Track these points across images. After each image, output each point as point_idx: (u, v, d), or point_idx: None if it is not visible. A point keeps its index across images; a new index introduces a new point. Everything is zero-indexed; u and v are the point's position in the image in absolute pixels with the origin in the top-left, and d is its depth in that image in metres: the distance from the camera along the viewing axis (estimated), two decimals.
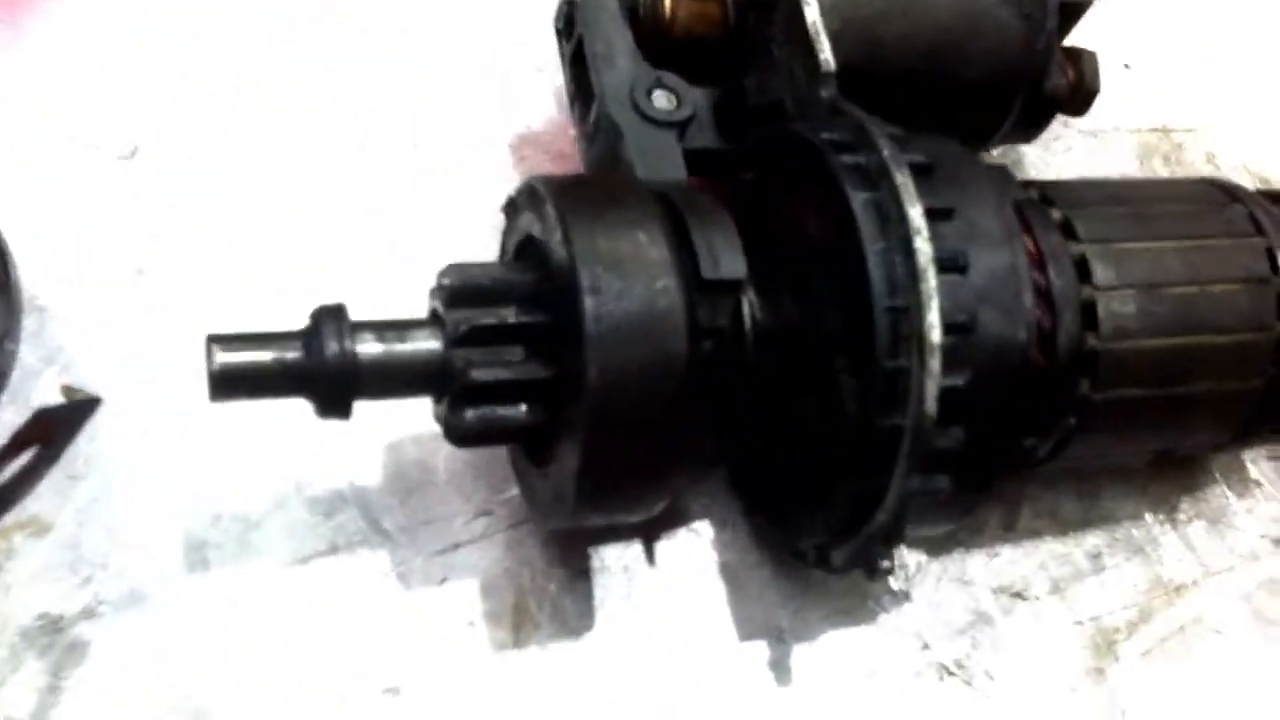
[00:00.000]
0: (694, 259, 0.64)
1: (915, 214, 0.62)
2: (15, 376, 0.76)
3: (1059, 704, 0.78)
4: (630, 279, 0.61)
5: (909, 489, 0.63)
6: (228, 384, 0.62)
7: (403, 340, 0.64)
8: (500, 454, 0.77)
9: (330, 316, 0.63)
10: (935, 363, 0.61)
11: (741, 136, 0.76)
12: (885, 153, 0.64)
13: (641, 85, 0.74)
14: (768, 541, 0.79)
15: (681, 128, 0.74)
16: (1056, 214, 0.72)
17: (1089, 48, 0.83)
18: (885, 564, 0.66)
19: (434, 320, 0.65)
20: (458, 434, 0.65)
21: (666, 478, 0.65)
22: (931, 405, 0.62)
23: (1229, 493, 0.87)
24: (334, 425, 0.75)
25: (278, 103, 0.87)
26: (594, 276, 0.61)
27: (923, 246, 0.62)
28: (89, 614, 0.71)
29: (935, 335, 0.61)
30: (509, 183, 0.86)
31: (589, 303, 0.60)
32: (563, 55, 0.79)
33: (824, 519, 0.69)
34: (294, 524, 0.76)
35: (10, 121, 0.83)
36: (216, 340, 0.62)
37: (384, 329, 0.64)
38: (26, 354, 0.77)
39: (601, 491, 0.64)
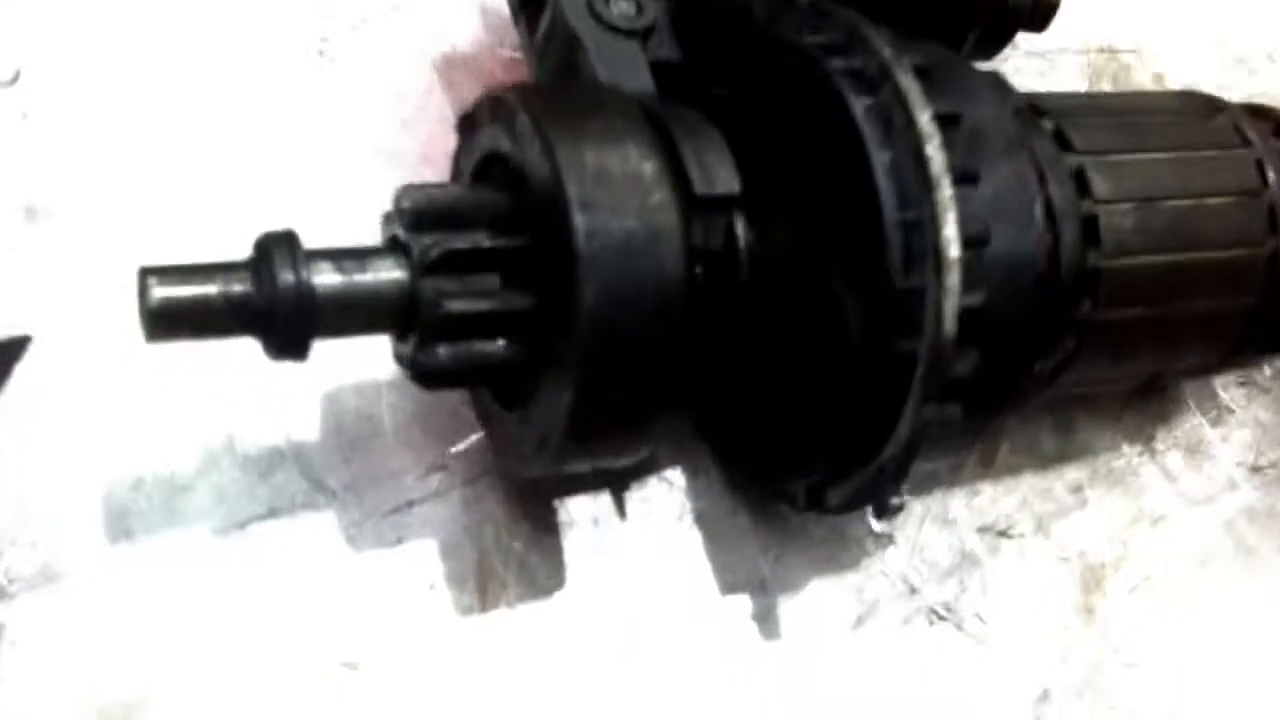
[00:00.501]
0: (684, 174, 0.59)
1: (925, 119, 0.57)
2: None
3: (1052, 644, 0.75)
4: (621, 194, 0.55)
5: (924, 418, 0.59)
6: (167, 322, 0.54)
7: (363, 269, 0.57)
8: (449, 403, 0.71)
9: (281, 244, 0.55)
10: (955, 279, 0.56)
11: (703, 47, 0.70)
12: (886, 54, 0.59)
13: None
14: (743, 487, 0.74)
15: (644, 37, 0.68)
16: (1048, 124, 0.68)
17: None
18: (896, 500, 0.61)
19: (396, 247, 0.58)
20: (428, 374, 0.58)
21: (659, 415, 0.59)
22: (951, 326, 0.57)
23: (1203, 420, 0.84)
24: (262, 374, 0.69)
25: (176, 11, 0.78)
26: (583, 191, 0.55)
27: (935, 154, 0.57)
28: (0, 594, 0.63)
29: (954, 250, 0.56)
30: (439, 108, 0.80)
31: (580, 219, 0.54)
32: None
33: (822, 457, 0.64)
34: (226, 486, 0.68)
35: None
36: (152, 273, 0.54)
37: (341, 257, 0.57)
38: None
39: (594, 431, 0.58)
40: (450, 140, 0.78)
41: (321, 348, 0.69)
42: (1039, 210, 0.61)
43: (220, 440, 0.69)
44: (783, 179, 0.62)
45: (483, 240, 0.57)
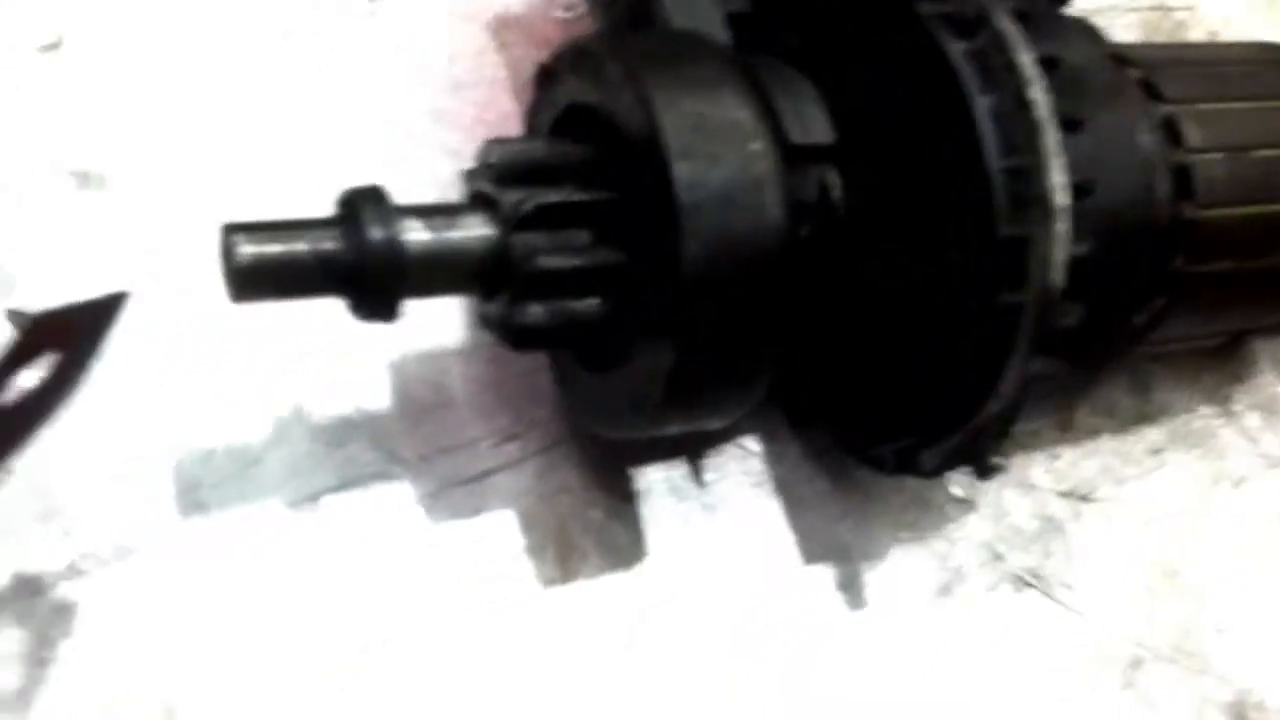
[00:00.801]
0: (778, 124, 0.57)
1: (1028, 61, 0.56)
2: None
3: (1139, 609, 0.73)
4: (720, 142, 0.54)
5: (1029, 373, 0.57)
6: (254, 281, 0.52)
7: (452, 226, 0.55)
8: (520, 369, 0.69)
9: (369, 200, 0.53)
10: (1064, 228, 0.55)
11: None
12: None
13: None
14: (820, 453, 0.72)
15: None
16: (1135, 73, 0.66)
17: None
18: (997, 460, 0.60)
19: (483, 203, 0.56)
20: (521, 333, 0.56)
21: (760, 374, 0.58)
22: (1059, 276, 0.55)
23: (1278, 380, 0.82)
24: (330, 342, 0.68)
25: None
26: (681, 140, 0.53)
27: (1040, 98, 0.55)
28: (73, 572, 0.61)
29: (1062, 197, 0.55)
30: (492, 70, 0.78)
31: (681, 169, 0.52)
32: None
33: (916, 417, 0.62)
34: (298, 457, 0.66)
35: None
36: (238, 230, 0.52)
37: (429, 214, 0.55)
38: None
39: (694, 392, 0.56)
40: (505, 102, 0.77)
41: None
42: (1137, 158, 0.59)
43: (290, 411, 0.67)
44: (873, 128, 0.60)
45: (573, 194, 0.55)
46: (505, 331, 0.57)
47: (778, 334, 0.57)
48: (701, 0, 0.65)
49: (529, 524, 0.67)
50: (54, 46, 0.72)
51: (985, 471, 0.60)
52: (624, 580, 0.67)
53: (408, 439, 0.68)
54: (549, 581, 0.66)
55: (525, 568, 0.66)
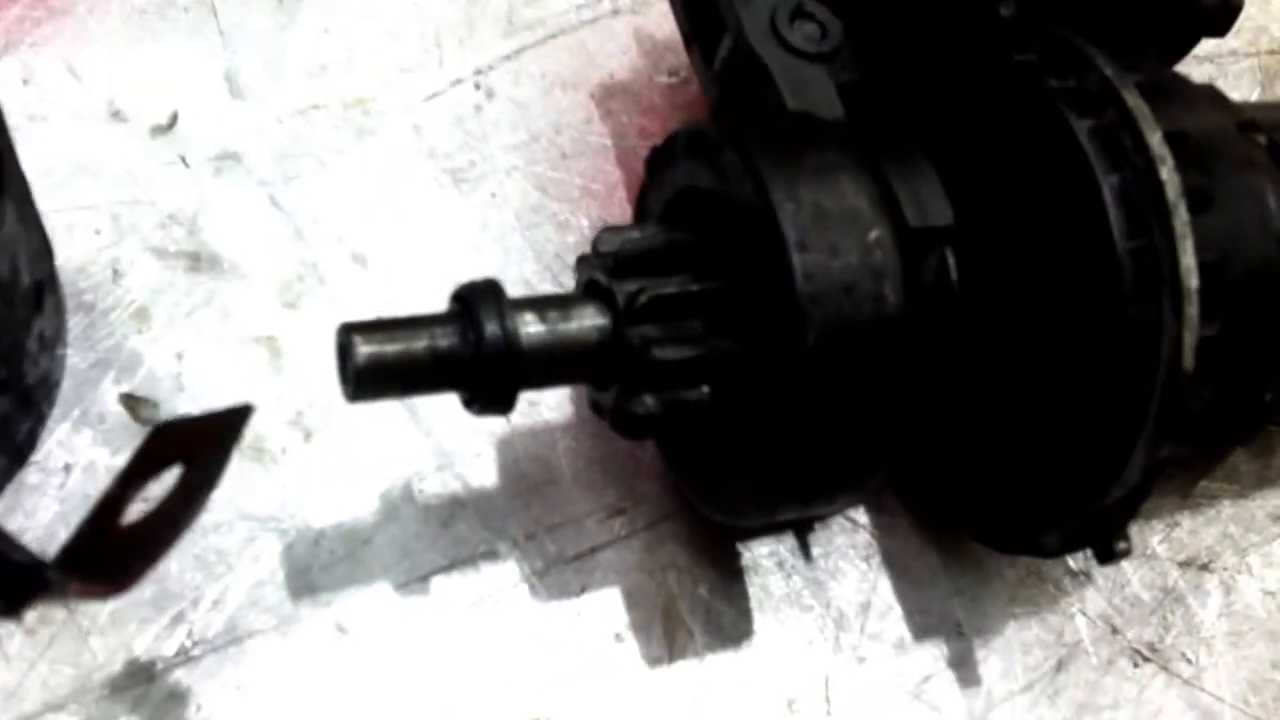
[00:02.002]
0: (897, 207, 0.56)
1: (1156, 140, 0.54)
2: (66, 386, 0.65)
3: (1266, 683, 0.71)
4: (839, 231, 0.53)
5: (1156, 459, 0.55)
6: (372, 380, 0.52)
7: (567, 319, 0.55)
8: (626, 445, 0.68)
9: (485, 295, 0.53)
10: (1194, 311, 0.53)
11: (888, 68, 0.66)
12: (1109, 71, 0.56)
13: (783, 13, 0.64)
14: (932, 526, 0.70)
15: (830, 60, 0.65)
16: (1262, 138, 0.64)
17: None
18: (1123, 545, 0.58)
19: (596, 293, 0.56)
20: (635, 423, 0.55)
21: (878, 460, 0.56)
22: (1190, 360, 0.53)
23: None
24: (438, 421, 0.68)
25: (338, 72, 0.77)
26: (800, 229, 0.52)
27: (1170, 177, 0.54)
28: (184, 657, 0.61)
29: (1193, 280, 0.53)
30: (598, 139, 0.78)
31: (798, 260, 0.51)
32: None
33: (1038, 497, 0.61)
34: (408, 537, 0.66)
35: (34, 94, 0.72)
36: (356, 329, 0.52)
37: (543, 306, 0.55)
38: (76, 359, 0.66)
39: (812, 481, 0.55)
40: (611, 172, 0.77)
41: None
42: (1269, 232, 0.57)
43: (399, 490, 0.67)
44: (995, 205, 0.59)
45: (688, 284, 0.55)
46: (618, 420, 0.56)
47: (895, 419, 0.56)
48: (813, 72, 0.64)
49: (635, 601, 0.66)
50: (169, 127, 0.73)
51: (1108, 556, 0.58)
52: (730, 660, 0.66)
53: (516, 516, 0.67)
54: (655, 660, 0.65)
55: (631, 646, 0.65)
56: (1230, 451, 0.61)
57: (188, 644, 0.62)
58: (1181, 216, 0.53)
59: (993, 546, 0.66)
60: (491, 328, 0.52)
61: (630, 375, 0.55)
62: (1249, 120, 0.64)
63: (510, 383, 0.53)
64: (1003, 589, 0.70)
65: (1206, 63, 0.90)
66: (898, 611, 0.69)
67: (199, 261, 0.70)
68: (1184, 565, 0.73)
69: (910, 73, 0.64)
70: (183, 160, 0.72)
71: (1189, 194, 0.54)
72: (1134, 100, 0.55)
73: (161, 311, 0.68)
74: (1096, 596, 0.71)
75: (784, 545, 0.69)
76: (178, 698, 0.61)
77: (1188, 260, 0.53)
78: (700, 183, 0.57)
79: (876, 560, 0.70)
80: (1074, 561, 0.71)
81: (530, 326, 0.54)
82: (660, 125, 0.78)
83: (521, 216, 0.74)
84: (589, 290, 0.56)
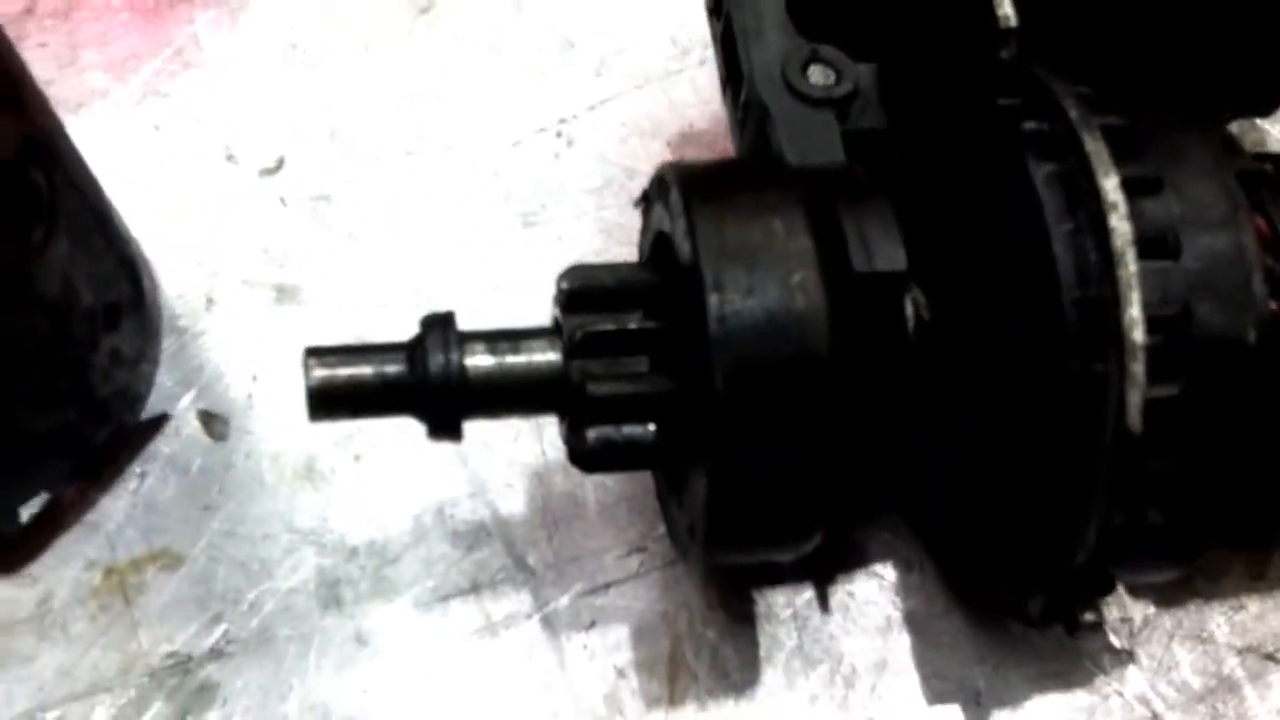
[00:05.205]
0: (843, 251, 0.55)
1: (1109, 186, 0.51)
2: (151, 400, 0.73)
3: None
4: (761, 272, 0.53)
5: (1111, 525, 0.52)
6: (325, 402, 0.56)
7: (516, 351, 0.57)
8: (652, 484, 0.70)
9: (437, 326, 0.56)
10: (1139, 367, 0.50)
11: (908, 115, 0.65)
12: (1072, 115, 0.53)
13: (794, 60, 0.65)
14: (960, 587, 0.68)
15: (841, 106, 0.64)
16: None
17: None
18: (1088, 618, 0.55)
19: (555, 329, 0.58)
20: (579, 457, 0.57)
21: (815, 506, 0.56)
22: (1135, 419, 0.50)
23: None
24: (479, 450, 0.71)
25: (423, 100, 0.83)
26: (717, 271, 0.53)
27: (1119, 225, 0.51)
28: (217, 654, 0.67)
29: (1138, 334, 0.50)
30: None
31: (712, 300, 0.52)
32: (714, 37, 0.71)
33: (1018, 562, 0.58)
34: (434, 559, 0.70)
35: (162, 138, 0.82)
36: (314, 354, 0.57)
37: (497, 339, 0.57)
38: (164, 377, 0.74)
39: (735, 523, 0.55)
40: None
41: (528, 424, 0.71)
42: (1259, 285, 0.53)
43: (432, 513, 0.71)
44: (962, 253, 0.57)
45: (629, 322, 0.56)
46: (568, 453, 0.58)
47: (840, 463, 0.55)
48: (818, 120, 0.64)
49: (642, 638, 0.67)
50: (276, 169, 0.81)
51: (1074, 630, 0.55)
52: (729, 708, 0.66)
53: (539, 546, 0.70)
54: (654, 700, 0.66)
55: (632, 683, 0.66)
56: (1222, 519, 0.56)
57: (222, 642, 0.67)
58: (1129, 266, 0.50)
59: (997, 611, 0.63)
60: (437, 358, 0.56)
61: (573, 409, 0.57)
62: (1256, 171, 0.59)
63: (454, 411, 0.56)
64: (1031, 659, 0.66)
65: None
66: (914, 674, 0.67)
67: (282, 293, 0.77)
68: (1244, 652, 0.67)
69: (921, 118, 0.63)
70: (282, 201, 0.79)
71: (1152, 241, 0.51)
72: (1092, 144, 0.52)
73: (244, 337, 0.75)
74: (1138, 677, 0.66)
75: (801, 596, 0.69)
76: (208, 690, 0.66)
77: (1132, 312, 0.50)
78: (664, 225, 0.58)
79: (897, 618, 0.68)
80: (1116, 638, 0.67)
81: (478, 358, 0.56)
82: None
83: (585, 259, 0.77)
84: (553, 325, 0.58)
